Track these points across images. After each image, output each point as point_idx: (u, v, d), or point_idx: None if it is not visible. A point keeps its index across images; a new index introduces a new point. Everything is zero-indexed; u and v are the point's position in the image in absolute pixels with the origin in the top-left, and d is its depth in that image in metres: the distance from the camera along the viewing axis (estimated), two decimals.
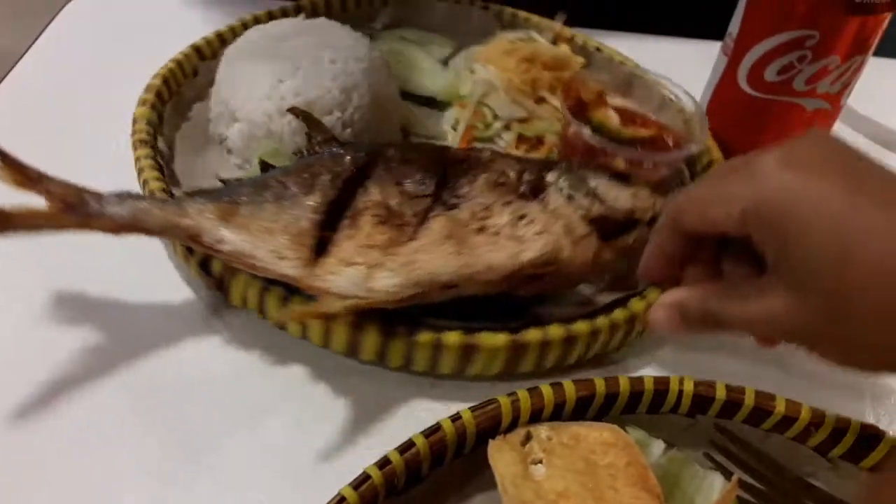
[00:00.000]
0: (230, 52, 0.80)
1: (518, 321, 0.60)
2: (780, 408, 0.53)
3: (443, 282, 0.56)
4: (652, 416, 0.54)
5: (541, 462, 0.49)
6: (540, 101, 0.85)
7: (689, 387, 0.53)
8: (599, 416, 0.54)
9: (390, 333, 0.58)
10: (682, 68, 0.83)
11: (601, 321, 0.60)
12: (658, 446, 0.51)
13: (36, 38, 0.91)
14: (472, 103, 0.85)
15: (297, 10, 0.90)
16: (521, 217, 0.60)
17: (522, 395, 0.52)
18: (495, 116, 0.85)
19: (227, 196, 0.60)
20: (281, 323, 0.61)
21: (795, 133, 0.82)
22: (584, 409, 0.53)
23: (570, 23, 0.95)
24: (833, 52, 0.76)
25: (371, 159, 0.63)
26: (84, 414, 0.56)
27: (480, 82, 0.86)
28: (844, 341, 0.43)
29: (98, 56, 0.91)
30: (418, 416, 0.59)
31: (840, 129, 0.87)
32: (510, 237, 0.59)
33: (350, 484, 0.47)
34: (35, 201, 0.55)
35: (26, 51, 0.89)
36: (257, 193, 0.60)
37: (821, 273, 0.42)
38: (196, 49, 0.82)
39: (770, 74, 0.79)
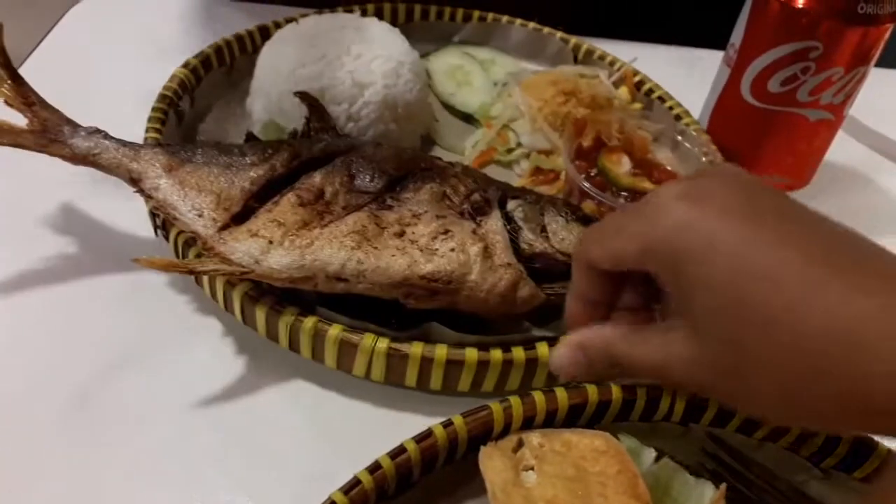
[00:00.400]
0: (281, 33, 0.82)
1: (406, 331, 0.59)
2: None
3: (330, 272, 0.56)
4: (645, 424, 0.54)
5: (532, 469, 0.49)
6: None
7: (682, 395, 0.53)
8: (592, 424, 0.54)
9: (278, 312, 0.58)
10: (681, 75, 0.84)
11: (481, 355, 0.58)
12: (649, 455, 0.51)
13: (42, 39, 0.92)
14: (497, 126, 0.85)
15: (377, 13, 0.93)
16: (445, 232, 0.60)
17: (515, 401, 0.52)
18: (519, 144, 0.85)
19: (184, 152, 0.63)
20: (166, 270, 0.58)
21: (798, 144, 0.83)
22: (576, 417, 0.53)
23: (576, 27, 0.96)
24: (836, 63, 0.76)
25: (341, 151, 0.64)
26: None
27: (510, 106, 0.86)
28: (742, 392, 0.41)
29: (103, 57, 0.92)
30: (408, 423, 0.59)
31: (842, 139, 0.87)
32: (421, 248, 0.59)
33: (340, 489, 0.47)
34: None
35: (32, 51, 0.90)
36: (214, 156, 0.62)
37: (717, 318, 0.39)
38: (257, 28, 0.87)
39: (773, 85, 0.79)
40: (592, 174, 0.76)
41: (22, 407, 0.57)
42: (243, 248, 0.56)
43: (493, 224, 0.62)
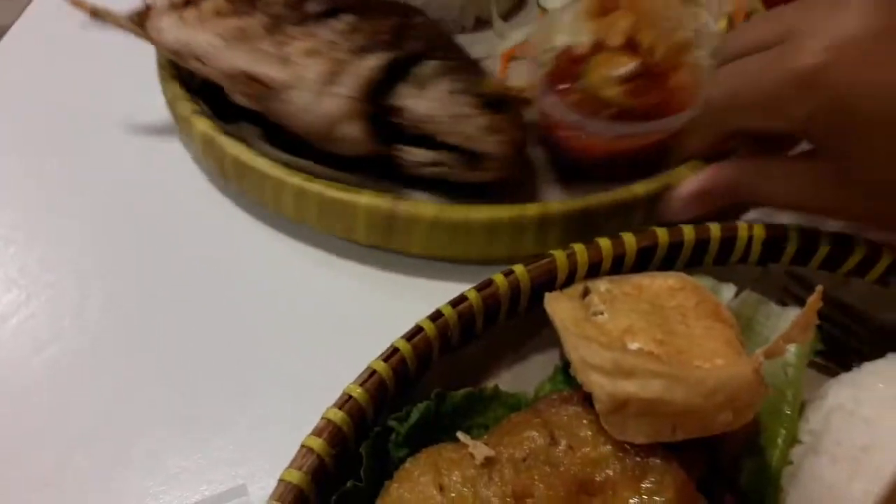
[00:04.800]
0: None
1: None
2: (861, 249, 0.49)
3: (194, 53, 0.61)
4: (720, 268, 0.50)
5: (602, 314, 0.45)
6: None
7: (759, 232, 0.49)
8: (662, 270, 0.50)
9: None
10: None
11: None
12: (729, 290, 0.47)
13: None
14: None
15: None
16: (314, 53, 0.59)
17: (579, 248, 0.49)
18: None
19: None
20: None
21: None
22: (645, 262, 0.50)
23: None
24: None
25: None
26: None
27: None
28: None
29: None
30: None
31: None
32: (277, 55, 0.59)
33: (403, 336, 0.45)
34: None
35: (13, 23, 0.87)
36: None
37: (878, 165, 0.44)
38: None
39: None
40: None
41: None
42: (165, 22, 0.62)
43: (370, 62, 0.59)
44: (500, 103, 0.59)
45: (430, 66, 0.60)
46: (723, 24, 0.69)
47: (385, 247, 0.58)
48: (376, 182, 0.59)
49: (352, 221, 0.57)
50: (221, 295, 0.57)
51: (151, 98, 0.68)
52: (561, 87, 0.62)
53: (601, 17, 0.68)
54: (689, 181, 0.52)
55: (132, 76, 0.70)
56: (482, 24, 0.79)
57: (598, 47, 0.64)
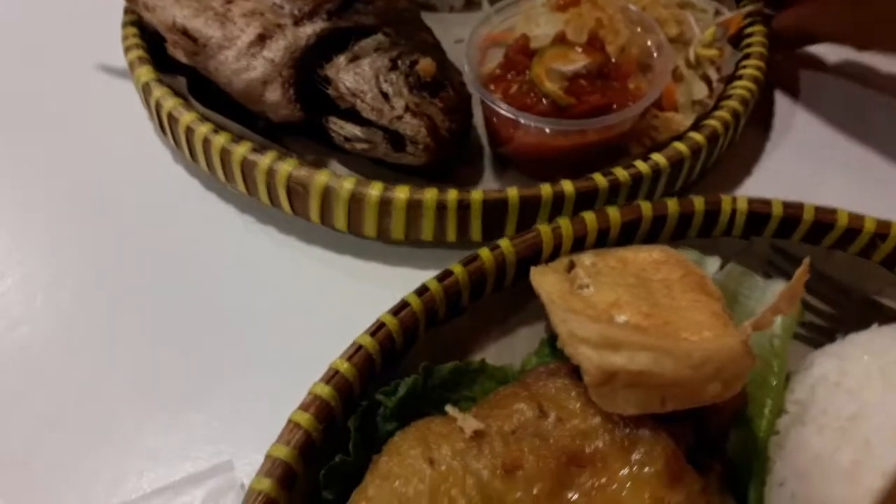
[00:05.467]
0: None
1: None
2: (842, 221, 0.49)
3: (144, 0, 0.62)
4: (704, 241, 0.51)
5: (587, 287, 0.45)
6: None
7: (742, 205, 0.50)
8: (647, 244, 0.50)
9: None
10: None
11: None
12: (713, 263, 0.48)
13: None
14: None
15: None
16: (252, 14, 0.59)
17: (563, 222, 0.49)
18: None
19: None
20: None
21: None
22: (629, 236, 0.50)
23: None
24: None
25: None
26: None
27: None
28: None
29: None
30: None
31: None
32: (216, 12, 0.59)
33: (389, 311, 0.44)
34: None
35: None
36: None
37: None
38: None
39: None
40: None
41: None
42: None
43: (307, 29, 0.58)
44: (437, 87, 0.57)
45: (370, 41, 0.59)
46: (710, 32, 0.68)
47: (306, 218, 0.57)
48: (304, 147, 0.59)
49: (276, 189, 0.55)
50: (197, 274, 0.56)
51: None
52: (509, 76, 0.61)
53: (564, 10, 0.67)
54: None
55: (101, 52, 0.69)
56: (473, 5, 0.77)
57: (559, 40, 0.62)
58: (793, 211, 0.49)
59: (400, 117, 0.55)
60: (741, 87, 0.61)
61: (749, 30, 0.68)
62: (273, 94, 0.57)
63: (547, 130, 0.57)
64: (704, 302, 0.42)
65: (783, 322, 0.43)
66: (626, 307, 0.42)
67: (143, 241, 0.58)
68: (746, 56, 0.65)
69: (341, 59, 0.58)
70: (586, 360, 0.37)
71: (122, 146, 0.65)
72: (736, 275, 0.47)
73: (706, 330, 0.39)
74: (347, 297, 0.55)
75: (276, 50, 0.57)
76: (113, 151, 0.65)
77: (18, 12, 0.76)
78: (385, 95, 0.56)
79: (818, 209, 0.49)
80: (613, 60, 0.61)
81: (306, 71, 0.58)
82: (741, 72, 0.64)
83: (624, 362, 0.36)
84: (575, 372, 0.40)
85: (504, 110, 0.56)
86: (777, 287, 0.45)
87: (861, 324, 0.46)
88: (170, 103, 0.58)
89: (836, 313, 0.49)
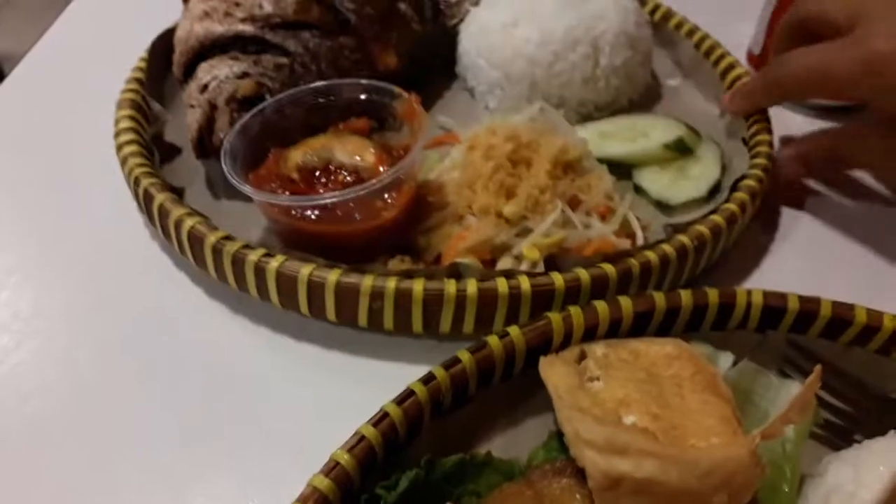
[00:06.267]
0: None
1: None
2: (861, 318, 0.48)
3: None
4: (718, 334, 0.50)
5: (597, 379, 0.45)
6: None
7: (757, 298, 0.49)
8: (659, 335, 0.49)
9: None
10: None
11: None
12: (726, 359, 0.47)
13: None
14: None
15: None
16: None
17: (575, 311, 0.48)
18: None
19: None
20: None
21: None
22: (642, 327, 0.49)
23: None
24: None
25: None
26: None
27: None
28: None
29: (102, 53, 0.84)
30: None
31: None
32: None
33: (394, 400, 0.44)
34: None
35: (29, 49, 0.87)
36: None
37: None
38: None
39: None
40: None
41: None
42: None
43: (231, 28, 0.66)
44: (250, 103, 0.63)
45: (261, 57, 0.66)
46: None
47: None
48: None
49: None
50: (209, 361, 0.56)
51: None
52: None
53: None
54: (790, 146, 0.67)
55: None
56: None
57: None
58: (809, 305, 0.48)
59: (191, 126, 0.64)
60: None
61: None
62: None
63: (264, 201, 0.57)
64: (714, 404, 0.41)
65: (796, 426, 0.42)
66: (635, 406, 0.41)
67: (160, 321, 0.59)
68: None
69: (216, 62, 0.66)
70: (591, 463, 0.37)
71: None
72: (749, 372, 0.46)
73: (714, 436, 0.38)
74: (358, 378, 0.55)
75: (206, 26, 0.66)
76: (133, 220, 0.66)
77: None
78: (194, 101, 0.65)
79: (835, 304, 0.48)
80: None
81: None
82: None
83: (629, 469, 0.36)
84: (581, 471, 0.39)
85: (254, 193, 0.57)
86: (792, 387, 0.44)
87: (878, 423, 0.45)
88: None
89: (852, 412, 0.48)
